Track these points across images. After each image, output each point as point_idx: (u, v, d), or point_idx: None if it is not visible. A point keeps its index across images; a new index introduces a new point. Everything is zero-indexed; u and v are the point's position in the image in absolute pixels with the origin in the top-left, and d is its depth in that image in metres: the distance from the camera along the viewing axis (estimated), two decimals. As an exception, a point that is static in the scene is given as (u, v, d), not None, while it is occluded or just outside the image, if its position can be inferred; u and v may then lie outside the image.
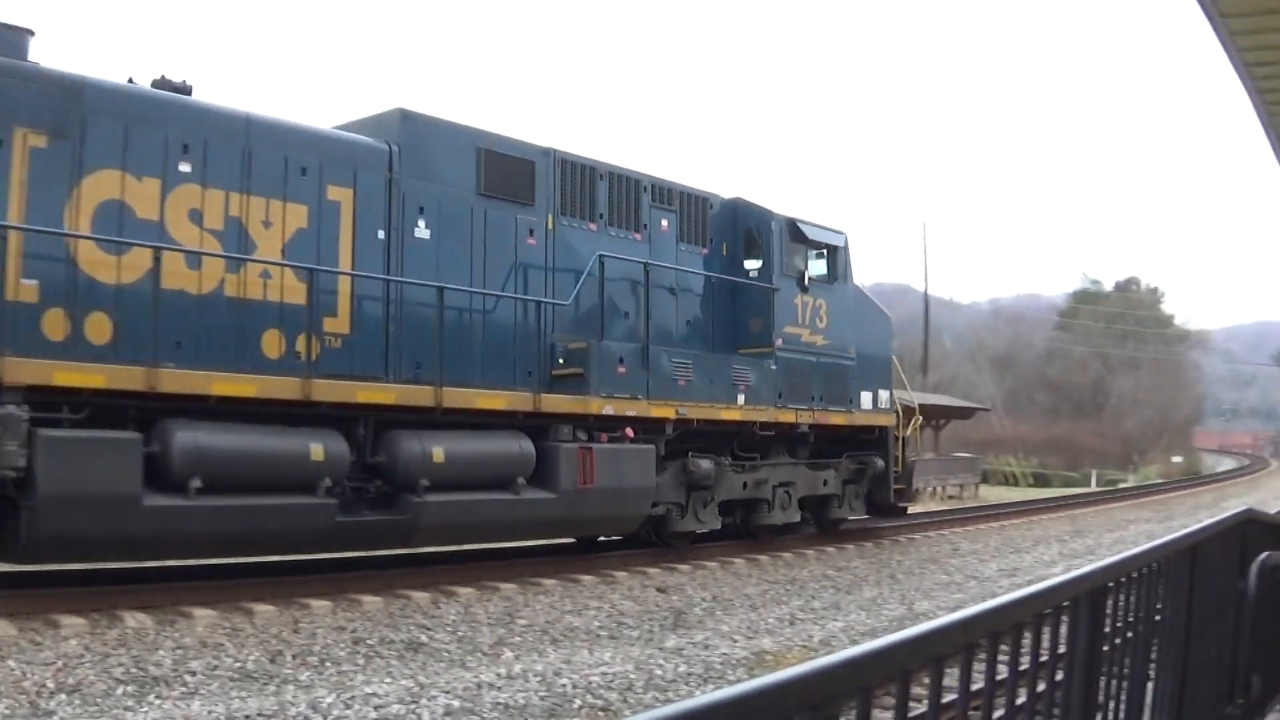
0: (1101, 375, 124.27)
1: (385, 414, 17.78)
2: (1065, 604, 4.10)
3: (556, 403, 19.98)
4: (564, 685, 14.30)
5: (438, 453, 17.88)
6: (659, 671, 15.38)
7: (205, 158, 16.48)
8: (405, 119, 19.16)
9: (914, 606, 21.40)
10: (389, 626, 16.22)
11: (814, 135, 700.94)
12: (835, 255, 26.54)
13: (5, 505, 14.06)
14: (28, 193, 14.76)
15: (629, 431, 21.29)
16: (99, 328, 15.26)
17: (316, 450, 16.48)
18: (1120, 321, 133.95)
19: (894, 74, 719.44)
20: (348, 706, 12.65)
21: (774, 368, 24.38)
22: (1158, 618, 5.58)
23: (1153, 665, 5.62)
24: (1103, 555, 21.38)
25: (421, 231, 19.11)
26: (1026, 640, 3.90)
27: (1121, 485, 74.82)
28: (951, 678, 3.43)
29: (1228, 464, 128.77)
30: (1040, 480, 72.74)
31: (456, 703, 13.15)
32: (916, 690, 8.43)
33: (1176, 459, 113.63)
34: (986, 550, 29.84)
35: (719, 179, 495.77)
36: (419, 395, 17.95)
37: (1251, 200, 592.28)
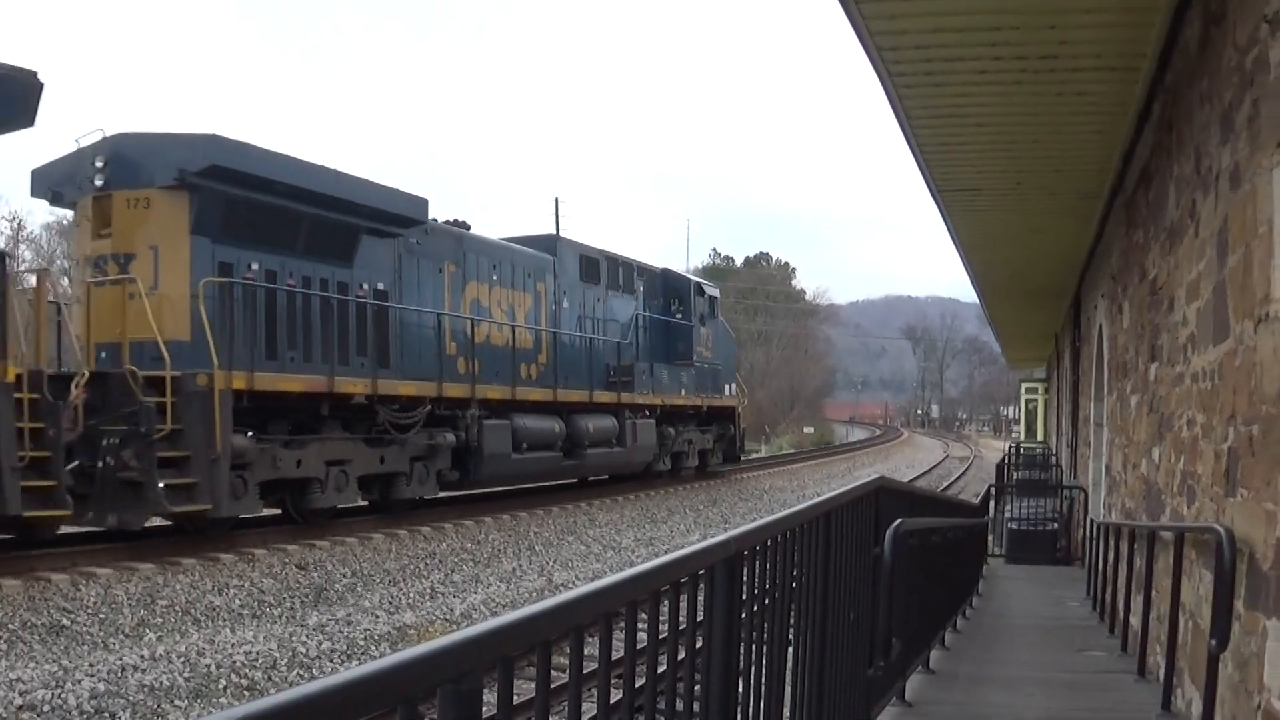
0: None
1: (574, 407, 32.91)
2: (701, 572, 4.14)
3: (625, 397, 35.54)
4: (208, 665, 14.21)
5: (591, 427, 33.48)
6: (302, 649, 15.45)
7: (499, 271, 30.53)
8: (559, 240, 35.43)
9: (553, 578, 21.96)
10: (29, 610, 15.68)
11: (452, 114, 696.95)
12: (714, 302, 44.39)
13: (463, 461, 27.61)
14: (449, 295, 28.13)
15: (647, 412, 37.51)
16: (471, 365, 28.41)
17: (556, 427, 31.64)
18: (752, 296, 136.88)
19: (524, 53, 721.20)
20: (-7, 691, 12.17)
21: (693, 372, 41.29)
22: (795, 584, 5.71)
23: (793, 630, 5.78)
24: (738, 524, 22.39)
25: (565, 305, 33.92)
26: (668, 609, 4.21)
27: (754, 456, 76.58)
28: (593, 647, 3.64)
29: (860, 434, 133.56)
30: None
31: (101, 685, 12.79)
32: (559, 660, 8.94)
33: (808, 429, 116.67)
34: (623, 521, 30.68)
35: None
36: (582, 395, 33.28)
37: (881, 181, 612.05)
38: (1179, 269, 9.51)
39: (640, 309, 38.35)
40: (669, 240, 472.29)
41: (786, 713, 5.74)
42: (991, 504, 27.77)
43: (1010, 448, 43.56)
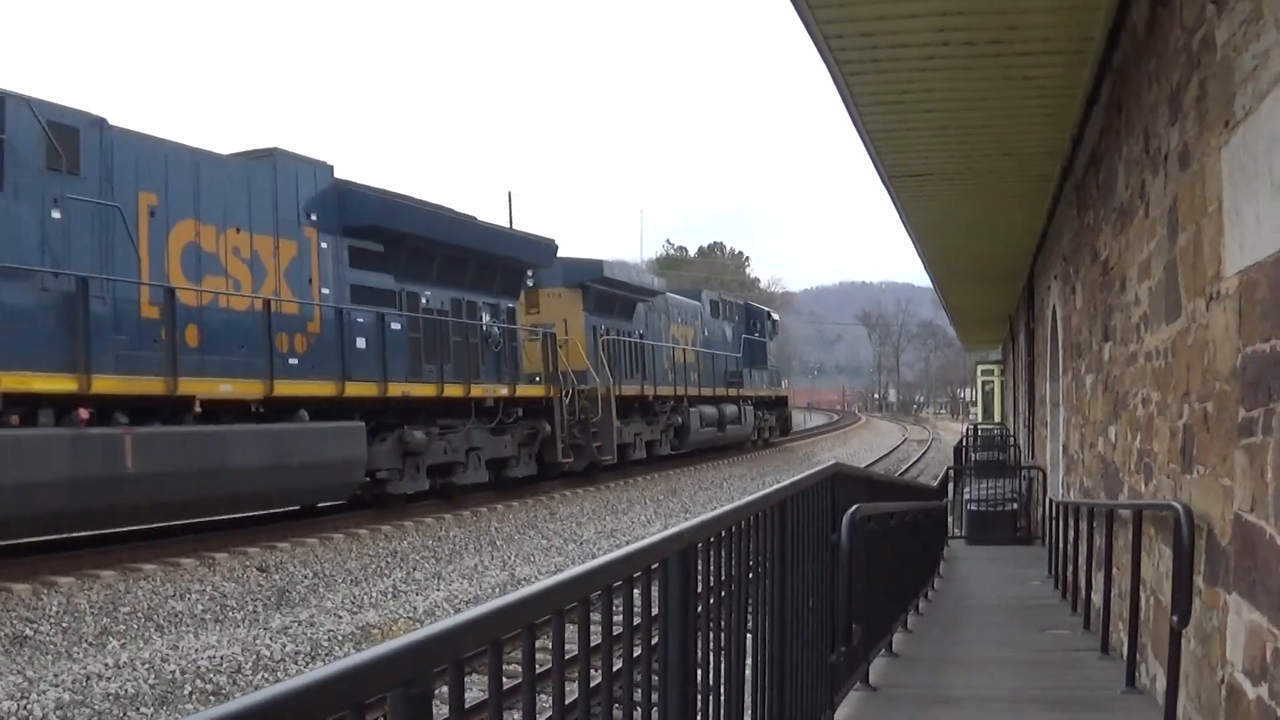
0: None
1: (720, 399, 50.80)
2: (655, 566, 4.10)
3: (739, 391, 53.00)
4: (173, 671, 14.12)
5: (728, 412, 51.34)
6: (266, 652, 15.35)
7: (681, 316, 48.15)
8: (705, 293, 54.65)
9: (516, 572, 21.90)
10: (-7, 622, 15.49)
11: (414, 104, 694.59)
12: (776, 324, 64.36)
13: (679, 434, 45.82)
14: (664, 333, 45.80)
15: (749, 402, 54.70)
16: (668, 376, 45.17)
17: (716, 412, 49.40)
18: (706, 286, 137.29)
19: (477, 48, 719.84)
20: (-42, 706, 12.03)
21: (765, 373, 60.08)
22: (752, 575, 5.67)
23: (752, 620, 5.75)
24: (698, 513, 22.28)
25: (705, 333, 50.56)
26: (622, 603, 4.16)
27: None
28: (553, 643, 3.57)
29: (818, 419, 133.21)
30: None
31: (67, 695, 12.67)
32: (516, 655, 8.87)
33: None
34: (584, 513, 30.59)
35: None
36: (723, 391, 51.12)
37: (833, 169, 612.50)
38: (1130, 249, 9.54)
39: (739, 331, 57.48)
40: (622, 230, 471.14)
41: (748, 702, 5.71)
42: (950, 486, 27.97)
43: (968, 430, 43.67)
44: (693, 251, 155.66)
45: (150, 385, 20.60)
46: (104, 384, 19.60)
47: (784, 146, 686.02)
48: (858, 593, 8.26)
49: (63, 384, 19.00)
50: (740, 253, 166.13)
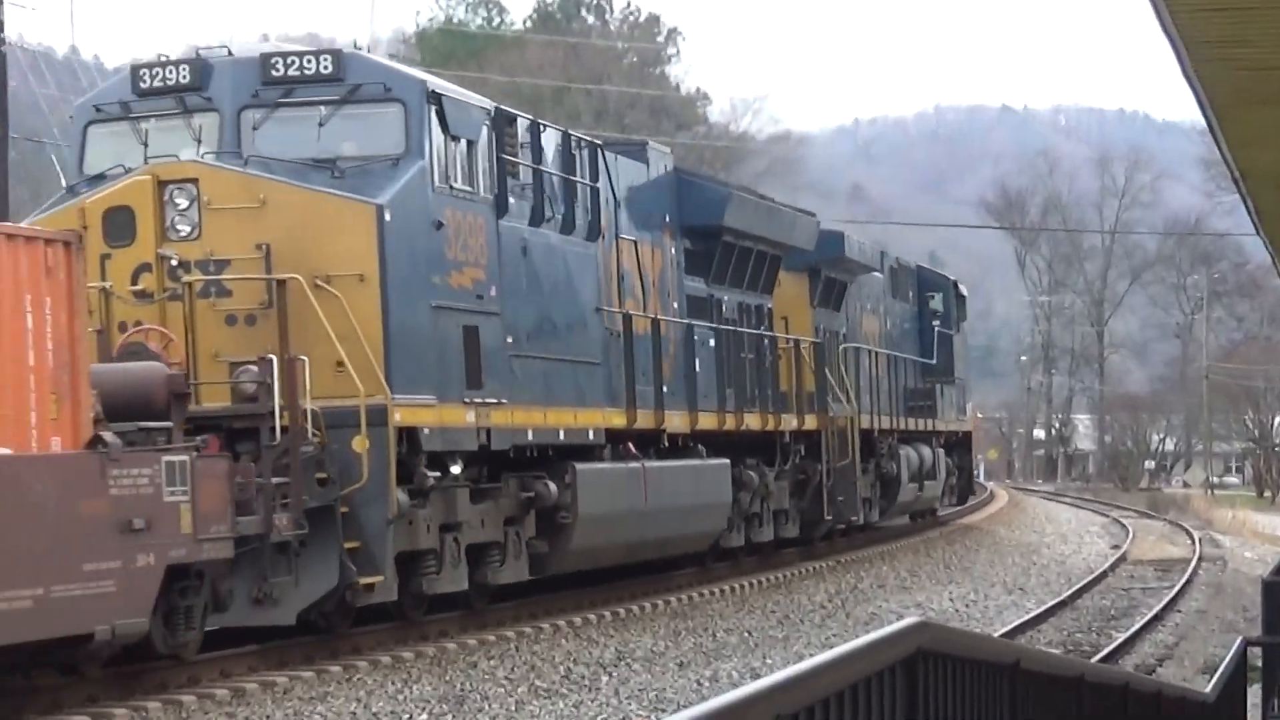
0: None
1: (916, 435, 49.55)
2: None
3: (936, 422, 49.97)
4: None
5: (926, 457, 47.52)
6: None
7: (870, 299, 46.17)
8: (884, 255, 47.33)
9: None
10: None
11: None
12: (964, 301, 56.59)
13: (884, 494, 45.34)
14: (861, 329, 45.00)
15: (940, 440, 50.34)
16: (878, 399, 45.34)
17: (917, 457, 46.52)
18: (576, 103, 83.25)
19: None
20: None
21: (953, 390, 53.22)
22: None
23: None
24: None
25: (889, 328, 47.19)
26: None
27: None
28: None
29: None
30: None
31: None
32: None
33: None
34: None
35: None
36: (915, 424, 48.52)
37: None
38: None
39: (913, 314, 51.55)
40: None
41: None
42: (1254, 693, 19.24)
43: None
44: (519, 20, 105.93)
45: (649, 419, 27.61)
46: (644, 419, 27.03)
47: None
48: None
49: (620, 419, 26.62)
50: (657, 19, 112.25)
